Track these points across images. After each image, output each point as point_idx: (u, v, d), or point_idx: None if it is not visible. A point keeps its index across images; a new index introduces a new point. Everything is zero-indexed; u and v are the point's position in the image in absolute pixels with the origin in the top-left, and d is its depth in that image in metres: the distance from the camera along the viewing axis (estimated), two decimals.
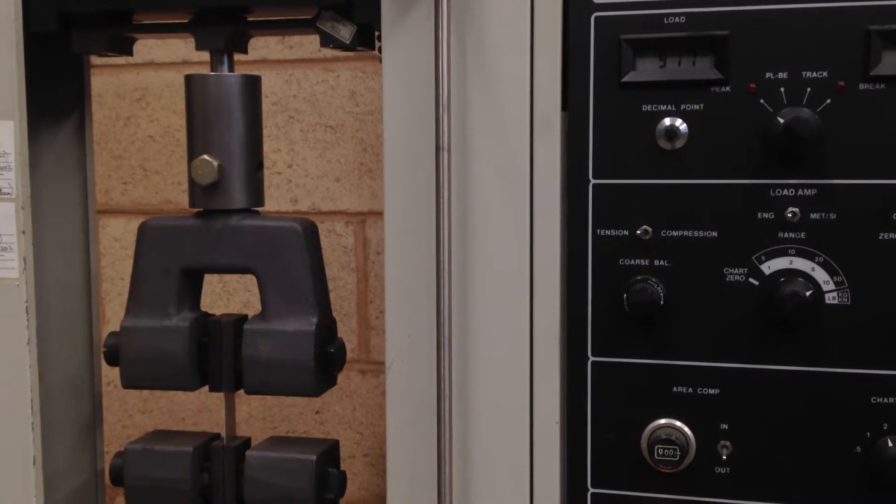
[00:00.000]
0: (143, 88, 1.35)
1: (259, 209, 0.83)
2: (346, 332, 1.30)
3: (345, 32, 0.77)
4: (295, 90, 1.30)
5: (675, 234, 0.69)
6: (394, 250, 0.74)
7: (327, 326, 0.81)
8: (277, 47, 1.30)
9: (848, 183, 0.66)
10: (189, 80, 0.80)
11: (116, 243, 1.39)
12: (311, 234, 0.81)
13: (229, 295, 1.34)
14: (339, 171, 1.30)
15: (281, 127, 1.31)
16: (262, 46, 1.29)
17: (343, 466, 0.83)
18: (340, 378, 0.84)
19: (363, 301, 1.31)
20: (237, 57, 0.83)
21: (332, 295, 0.82)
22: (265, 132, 1.34)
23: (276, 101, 1.31)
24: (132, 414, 1.40)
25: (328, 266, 0.82)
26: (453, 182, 0.71)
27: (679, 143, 0.69)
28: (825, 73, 0.66)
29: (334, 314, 0.83)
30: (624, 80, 0.69)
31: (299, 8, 0.79)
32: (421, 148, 0.72)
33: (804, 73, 0.66)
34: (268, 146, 1.31)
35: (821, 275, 0.67)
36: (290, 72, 1.30)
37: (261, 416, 1.35)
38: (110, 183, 1.38)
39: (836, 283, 0.67)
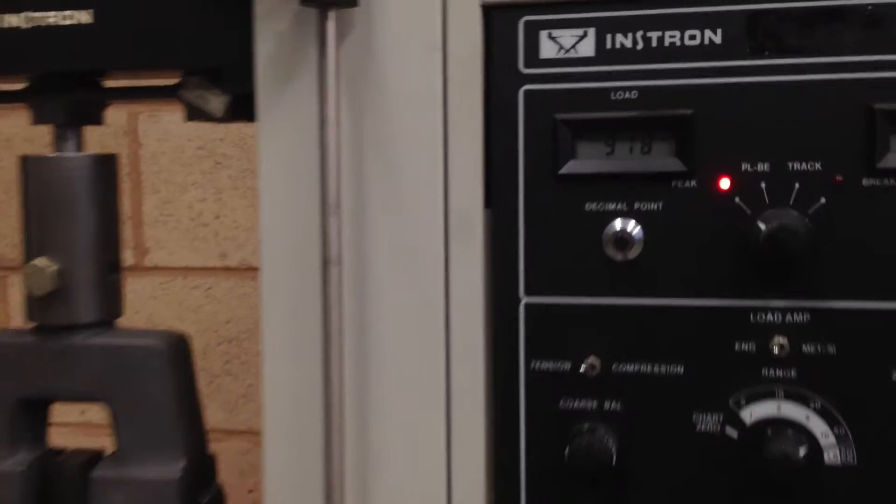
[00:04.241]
0: None
1: (115, 320, 0.66)
2: None
3: (216, 104, 0.61)
4: (222, 133, 1.18)
5: (629, 368, 0.54)
6: (276, 388, 0.58)
7: (198, 470, 0.64)
8: None
9: (850, 307, 0.51)
10: (24, 162, 0.64)
11: None
12: (177, 351, 0.64)
13: None
14: None
15: (207, 174, 1.19)
16: None
17: None
18: None
19: None
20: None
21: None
22: (191, 179, 1.21)
23: (201, 145, 1.18)
24: None
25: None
26: (346, 302, 0.55)
27: (632, 253, 0.53)
28: (818, 165, 0.51)
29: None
30: (561, 171, 0.54)
31: (159, 73, 0.63)
32: (308, 260, 0.56)
33: (791, 164, 0.52)
34: (193, 195, 1.19)
35: (817, 425, 0.52)
36: None
37: None
38: None
39: (837, 437, 0.51)
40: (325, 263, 0.54)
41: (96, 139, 1.49)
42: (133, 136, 1.41)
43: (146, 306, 1.32)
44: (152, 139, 1.40)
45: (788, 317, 0.52)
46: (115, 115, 1.24)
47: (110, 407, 0.64)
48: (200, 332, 1.26)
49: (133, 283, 1.34)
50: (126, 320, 0.67)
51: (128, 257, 1.36)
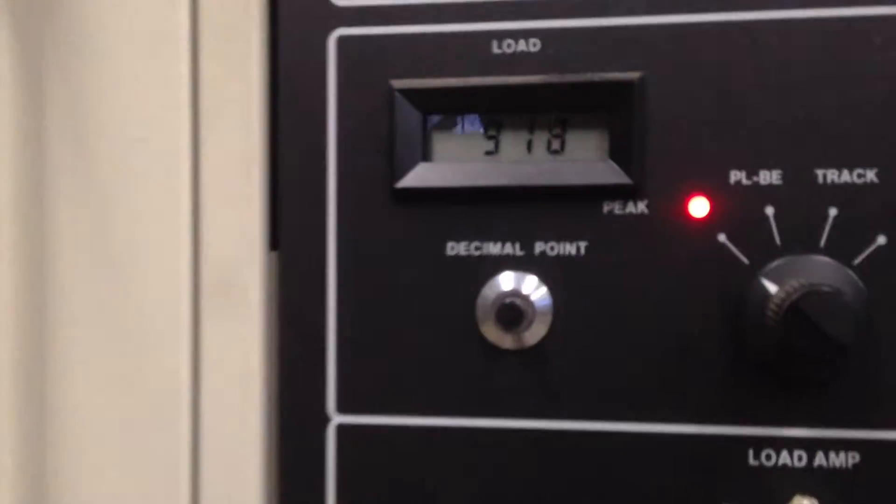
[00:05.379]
0: None
1: None
2: None
3: None
4: None
5: None
6: None
7: None
8: None
9: None
10: None
11: None
12: None
13: None
14: None
15: None
16: None
17: None
18: None
19: None
20: None
21: None
22: None
23: None
24: None
25: None
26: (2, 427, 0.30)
27: (532, 335, 0.29)
28: (872, 175, 0.28)
29: None
30: (401, 184, 0.29)
31: None
32: None
33: (822, 173, 0.28)
34: None
35: None
36: None
37: None
38: None
39: None
40: None
41: None
42: None
43: None
44: None
45: (820, 457, 0.28)
46: None
47: None
48: None
49: None
50: None
51: None
